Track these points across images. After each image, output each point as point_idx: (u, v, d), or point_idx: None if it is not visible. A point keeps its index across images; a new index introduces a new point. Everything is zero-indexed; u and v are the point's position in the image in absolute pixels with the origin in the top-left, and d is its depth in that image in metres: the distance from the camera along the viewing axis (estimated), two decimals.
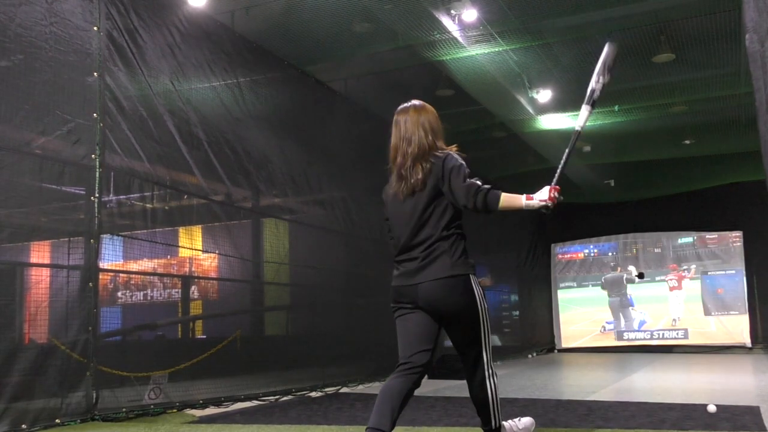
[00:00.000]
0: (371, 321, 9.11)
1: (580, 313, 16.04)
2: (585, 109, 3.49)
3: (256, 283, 8.12)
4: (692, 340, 14.74)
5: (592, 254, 16.29)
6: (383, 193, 3.51)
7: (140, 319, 8.66)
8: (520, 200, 3.22)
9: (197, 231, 7.63)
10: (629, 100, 9.69)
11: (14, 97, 5.08)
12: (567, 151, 3.45)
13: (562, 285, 16.45)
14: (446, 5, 7.16)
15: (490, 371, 3.35)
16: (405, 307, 3.32)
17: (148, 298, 11.51)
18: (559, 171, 3.40)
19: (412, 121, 3.40)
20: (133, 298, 11.59)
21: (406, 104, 3.51)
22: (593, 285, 16.08)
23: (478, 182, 3.22)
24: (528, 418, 3.73)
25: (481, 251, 13.02)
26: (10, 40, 5.03)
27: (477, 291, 3.26)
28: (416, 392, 3.34)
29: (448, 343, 3.50)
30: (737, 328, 14.40)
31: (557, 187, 3.27)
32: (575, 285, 16.33)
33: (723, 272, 14.79)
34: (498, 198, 3.17)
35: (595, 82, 3.49)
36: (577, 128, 3.49)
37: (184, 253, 7.83)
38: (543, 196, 3.22)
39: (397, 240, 3.37)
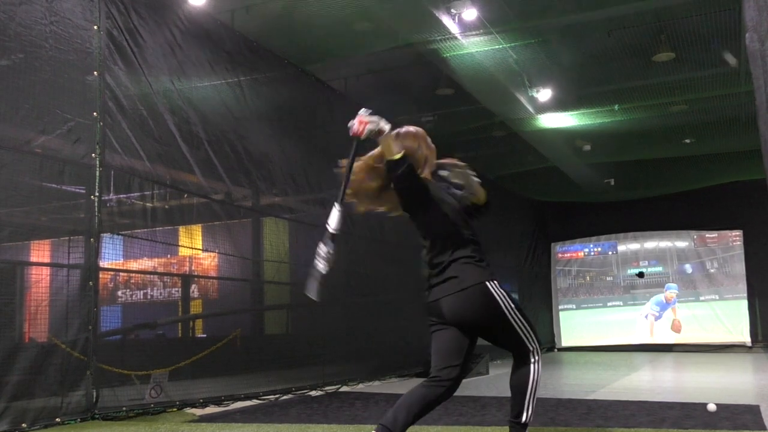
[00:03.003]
0: (371, 320, 9.12)
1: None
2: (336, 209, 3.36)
3: (256, 282, 8.12)
4: (692, 339, 14.74)
5: (592, 253, 16.29)
6: None
7: (140, 317, 8.67)
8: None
9: (197, 230, 7.63)
10: (629, 99, 9.68)
11: (14, 96, 5.07)
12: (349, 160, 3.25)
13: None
14: (446, 4, 7.16)
15: (536, 358, 3.37)
16: (435, 323, 3.36)
17: (148, 296, 11.51)
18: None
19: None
20: (133, 296, 11.59)
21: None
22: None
23: None
24: None
25: None
26: (10, 39, 5.03)
27: (497, 294, 3.25)
28: None
29: None
30: (737, 326, 14.40)
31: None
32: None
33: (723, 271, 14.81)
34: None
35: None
36: (330, 229, 3.35)
37: (184, 252, 7.83)
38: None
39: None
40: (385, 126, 3.17)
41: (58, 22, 5.34)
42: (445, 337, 3.33)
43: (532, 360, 3.36)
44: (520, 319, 3.32)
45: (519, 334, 3.32)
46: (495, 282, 3.29)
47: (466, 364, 3.34)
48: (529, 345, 3.36)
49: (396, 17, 7.34)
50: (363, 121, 3.13)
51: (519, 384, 3.35)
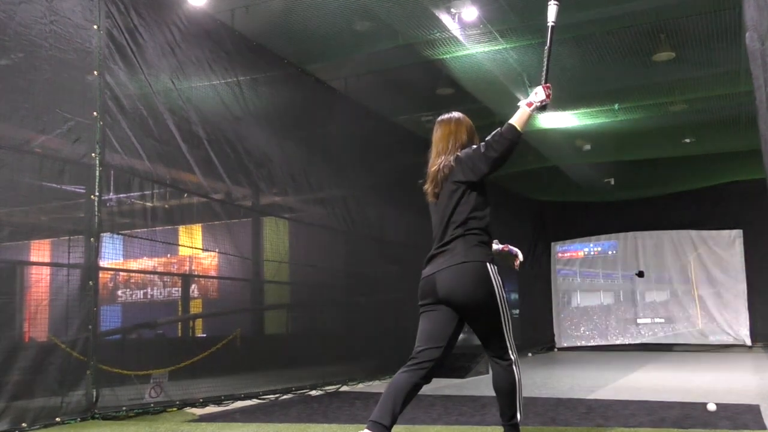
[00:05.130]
0: (371, 320, 9.12)
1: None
2: (552, 4, 3.67)
3: (256, 282, 8.12)
4: (692, 339, 14.73)
5: (592, 253, 16.28)
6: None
7: (140, 317, 8.64)
8: (526, 111, 3.43)
9: (197, 229, 7.62)
10: (629, 99, 9.67)
11: (14, 96, 5.08)
12: (546, 47, 3.66)
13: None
14: (446, 4, 7.15)
15: (515, 358, 3.40)
16: (426, 304, 3.40)
17: (148, 296, 11.49)
18: (545, 70, 3.61)
19: (440, 132, 3.62)
20: (133, 296, 11.58)
21: (442, 116, 3.72)
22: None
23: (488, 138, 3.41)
24: None
25: None
26: (10, 38, 5.03)
27: (494, 279, 3.31)
28: None
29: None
30: (737, 326, 14.39)
31: (548, 84, 3.50)
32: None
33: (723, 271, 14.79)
34: (511, 126, 3.38)
35: None
36: (550, 24, 3.68)
37: (184, 251, 7.82)
38: (540, 97, 3.47)
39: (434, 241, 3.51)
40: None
41: (57, 22, 5.34)
42: (432, 317, 3.37)
43: (512, 359, 3.40)
44: (507, 314, 3.38)
45: (503, 328, 3.36)
46: (495, 267, 3.33)
47: (448, 349, 3.38)
48: (508, 342, 3.39)
49: (396, 17, 7.34)
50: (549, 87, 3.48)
51: (507, 388, 3.39)
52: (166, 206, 6.55)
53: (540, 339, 15.62)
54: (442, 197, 3.44)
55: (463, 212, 3.37)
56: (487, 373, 9.52)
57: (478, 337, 3.47)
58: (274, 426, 5.14)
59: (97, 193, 5.54)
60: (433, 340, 3.33)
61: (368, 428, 3.16)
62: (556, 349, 15.98)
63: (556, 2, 3.65)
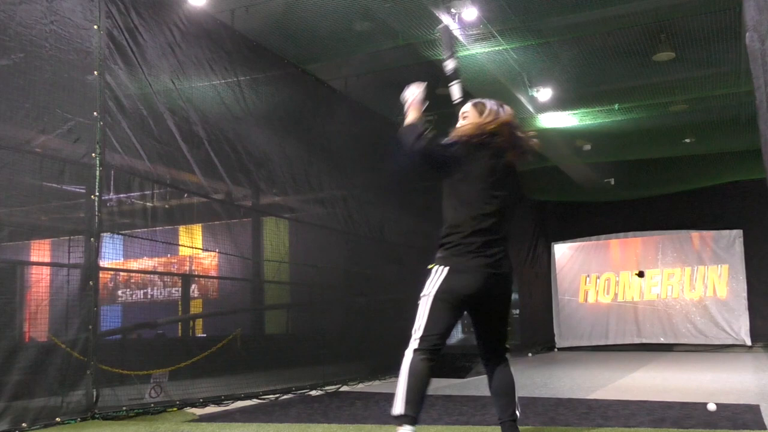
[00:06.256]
0: (371, 320, 9.12)
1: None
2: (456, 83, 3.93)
3: (257, 282, 8.12)
4: (692, 339, 14.73)
5: (591, 253, 16.27)
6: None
7: (140, 317, 8.66)
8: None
9: (197, 229, 7.63)
10: (629, 99, 9.68)
11: (14, 96, 5.07)
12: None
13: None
14: (446, 3, 7.16)
15: (508, 356, 3.54)
16: (466, 296, 3.33)
17: (149, 296, 11.51)
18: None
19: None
20: (134, 296, 11.60)
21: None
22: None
23: None
24: None
25: None
26: (10, 38, 5.03)
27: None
28: None
29: (451, 340, 3.57)
30: (737, 326, 14.39)
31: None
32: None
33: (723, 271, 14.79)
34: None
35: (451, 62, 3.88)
36: (456, 101, 3.92)
37: (184, 251, 7.83)
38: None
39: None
40: None
41: (58, 22, 5.34)
42: (456, 315, 3.40)
43: (508, 358, 3.51)
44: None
45: (507, 329, 3.45)
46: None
47: None
48: (506, 342, 3.52)
49: (396, 17, 7.34)
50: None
51: (507, 385, 3.45)
52: (166, 206, 6.55)
53: (540, 339, 15.61)
54: (507, 181, 3.47)
55: (513, 216, 3.49)
56: None
57: (482, 340, 3.48)
58: (274, 426, 5.14)
59: (97, 193, 5.54)
60: (446, 337, 3.37)
61: (407, 424, 3.13)
62: (556, 349, 15.98)
63: (457, 81, 3.91)
